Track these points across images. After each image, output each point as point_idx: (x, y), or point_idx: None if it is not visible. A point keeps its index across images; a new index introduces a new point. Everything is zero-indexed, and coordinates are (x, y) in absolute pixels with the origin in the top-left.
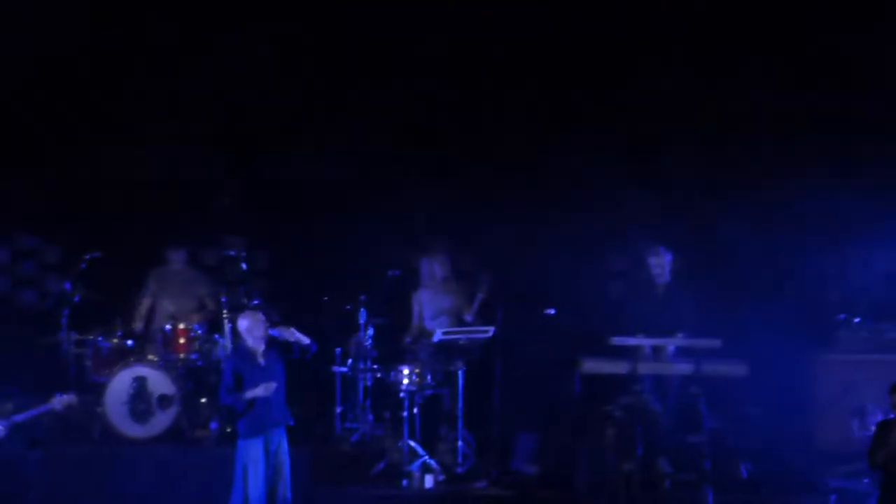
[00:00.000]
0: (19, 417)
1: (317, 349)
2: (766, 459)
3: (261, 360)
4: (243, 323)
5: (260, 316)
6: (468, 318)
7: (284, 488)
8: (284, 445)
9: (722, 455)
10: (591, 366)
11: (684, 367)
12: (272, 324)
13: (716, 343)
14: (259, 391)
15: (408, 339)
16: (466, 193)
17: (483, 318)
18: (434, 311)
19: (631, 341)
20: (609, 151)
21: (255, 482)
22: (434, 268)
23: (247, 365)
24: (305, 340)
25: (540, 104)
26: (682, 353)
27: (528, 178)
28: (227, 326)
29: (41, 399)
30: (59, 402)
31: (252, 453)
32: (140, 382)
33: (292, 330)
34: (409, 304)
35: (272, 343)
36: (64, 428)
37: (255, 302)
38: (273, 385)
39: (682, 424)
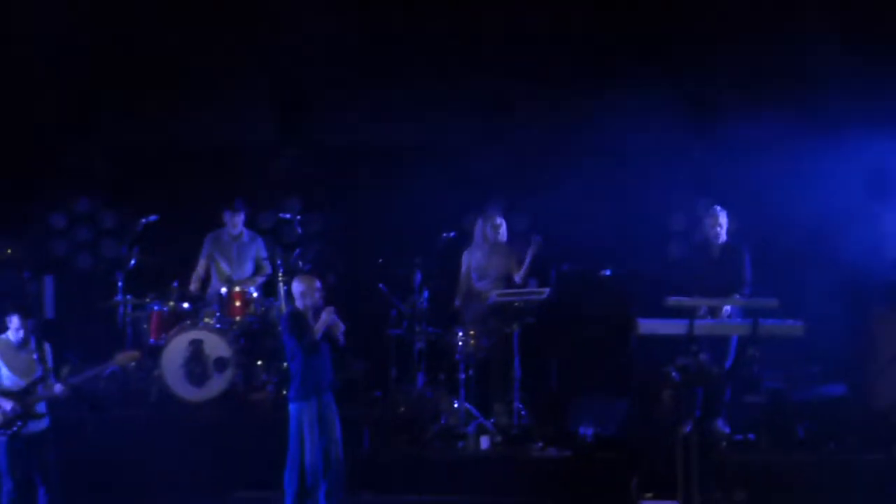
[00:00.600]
0: (77, 378)
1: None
2: (823, 419)
3: (316, 322)
4: (298, 287)
5: (315, 282)
6: (517, 279)
7: (336, 450)
8: (334, 408)
9: (779, 415)
10: (647, 327)
11: (741, 328)
12: (325, 295)
13: (773, 303)
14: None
15: (456, 302)
16: (523, 154)
17: (537, 279)
18: (483, 272)
19: (687, 302)
20: (666, 111)
21: (311, 444)
22: (487, 229)
23: (310, 324)
24: (341, 339)
25: (598, 63)
26: (739, 313)
27: (585, 137)
28: (282, 289)
29: (100, 360)
30: (122, 359)
31: (307, 415)
32: (196, 345)
33: (339, 323)
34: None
35: (319, 310)
36: (122, 391)
37: (310, 266)
38: (332, 309)
39: (740, 385)
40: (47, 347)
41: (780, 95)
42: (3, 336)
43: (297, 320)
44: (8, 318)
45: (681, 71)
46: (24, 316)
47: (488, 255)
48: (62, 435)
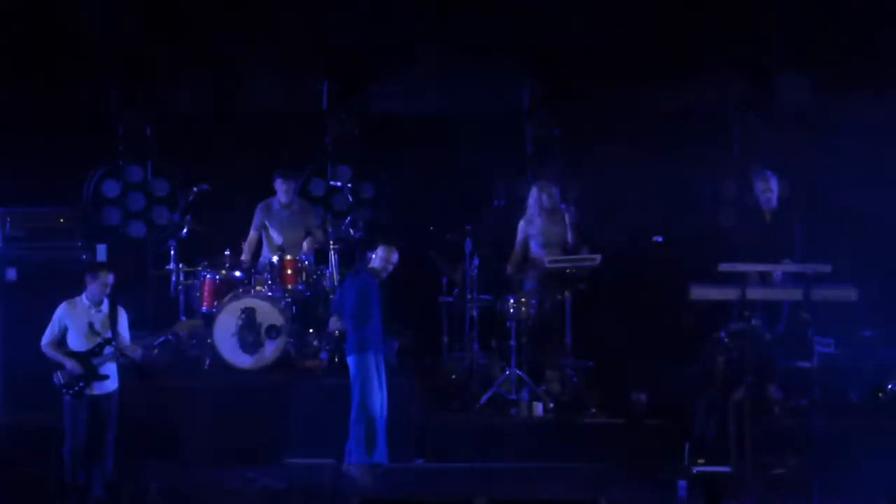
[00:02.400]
0: (147, 343)
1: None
2: (876, 384)
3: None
4: (381, 252)
5: (394, 251)
6: (570, 242)
7: (387, 405)
8: (382, 364)
9: (832, 380)
10: (699, 293)
11: (794, 293)
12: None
13: (825, 268)
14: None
15: (509, 270)
16: (576, 121)
17: (588, 246)
18: (541, 240)
19: (739, 267)
20: (719, 77)
21: (372, 394)
22: (543, 197)
23: (375, 285)
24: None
25: (646, 29)
26: (792, 278)
27: (636, 104)
28: (333, 257)
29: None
30: (183, 327)
31: (369, 366)
32: (248, 313)
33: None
34: (514, 233)
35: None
36: (175, 359)
37: (361, 233)
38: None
39: (792, 350)
40: (121, 311)
41: (831, 61)
42: (77, 298)
43: (366, 288)
44: (91, 276)
45: (734, 36)
46: (109, 272)
47: (546, 223)
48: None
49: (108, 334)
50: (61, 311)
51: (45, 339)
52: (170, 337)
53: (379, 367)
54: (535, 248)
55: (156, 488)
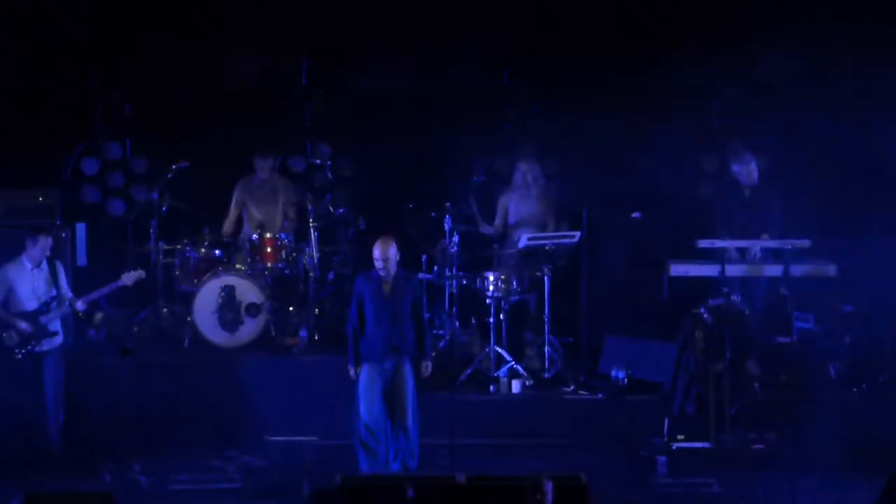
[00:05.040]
0: (93, 295)
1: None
2: (855, 360)
3: (386, 285)
4: (375, 249)
5: (390, 244)
6: (549, 220)
7: (403, 416)
8: (403, 373)
9: (811, 356)
10: (678, 269)
11: (773, 269)
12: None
13: (804, 243)
14: None
15: (495, 245)
16: (554, 98)
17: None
18: (519, 216)
19: (718, 244)
20: (698, 51)
21: (368, 406)
22: (528, 175)
23: (369, 286)
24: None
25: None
26: (771, 254)
27: (615, 80)
28: (313, 235)
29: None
30: (129, 277)
31: (364, 376)
32: (228, 291)
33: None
34: (494, 210)
35: (402, 274)
36: (154, 337)
37: (341, 211)
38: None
39: (771, 326)
40: (59, 266)
41: (810, 33)
42: (17, 260)
43: (357, 293)
44: (31, 240)
45: (712, 10)
46: (48, 235)
47: (529, 199)
48: (97, 381)
49: (53, 292)
50: (3, 274)
51: None
52: (113, 286)
53: (386, 379)
54: (510, 222)
55: None
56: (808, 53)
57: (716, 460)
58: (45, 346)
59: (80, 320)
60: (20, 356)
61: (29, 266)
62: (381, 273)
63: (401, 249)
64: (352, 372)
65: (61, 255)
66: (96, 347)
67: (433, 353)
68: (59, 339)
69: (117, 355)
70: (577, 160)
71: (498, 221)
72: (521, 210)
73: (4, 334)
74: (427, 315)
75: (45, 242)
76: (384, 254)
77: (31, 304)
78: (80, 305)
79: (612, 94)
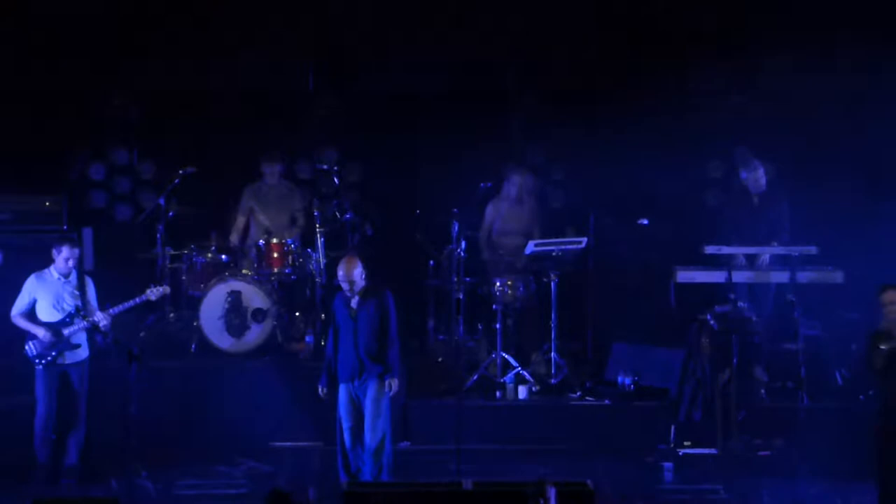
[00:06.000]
0: (116, 309)
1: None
2: (861, 366)
3: (353, 303)
4: (339, 269)
5: (354, 264)
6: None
7: (360, 431)
8: (370, 394)
9: (817, 362)
10: (685, 275)
11: (779, 275)
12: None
13: (811, 250)
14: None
15: (485, 255)
16: (561, 102)
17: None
18: (507, 226)
19: (725, 250)
20: (705, 57)
21: (340, 426)
22: (521, 187)
23: (340, 306)
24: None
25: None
26: (778, 260)
27: (623, 86)
28: (320, 240)
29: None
30: (153, 292)
31: (340, 398)
32: (235, 296)
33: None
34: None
35: (370, 292)
36: (161, 343)
37: (348, 216)
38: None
39: (778, 332)
40: (88, 282)
41: (817, 41)
42: (46, 270)
43: (331, 313)
44: (56, 249)
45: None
46: (72, 246)
47: (519, 211)
48: (105, 386)
49: (79, 304)
50: (31, 283)
51: (15, 311)
52: (137, 301)
53: (355, 401)
54: (495, 230)
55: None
56: (815, 61)
57: (722, 466)
58: (69, 358)
59: None
60: (41, 366)
61: (56, 276)
62: (347, 294)
63: (367, 267)
64: (320, 391)
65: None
66: (103, 352)
67: (399, 369)
68: (83, 353)
69: (124, 360)
70: (583, 166)
71: (485, 227)
72: (508, 221)
73: (26, 345)
74: (433, 321)
75: (68, 253)
76: (348, 275)
77: (55, 315)
78: (102, 320)
79: (619, 100)
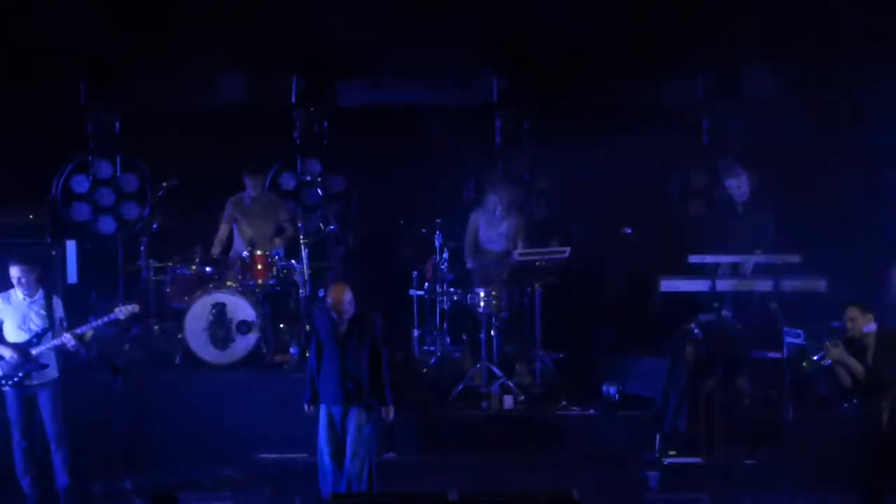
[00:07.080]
0: (83, 328)
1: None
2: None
3: (341, 328)
4: (328, 298)
5: (345, 292)
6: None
7: (342, 456)
8: (353, 422)
9: (801, 372)
10: (669, 284)
11: (763, 284)
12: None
13: (795, 259)
14: None
15: (469, 264)
16: (544, 111)
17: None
18: (488, 237)
19: (709, 259)
20: (688, 69)
21: (320, 448)
22: (497, 204)
23: (328, 326)
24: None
25: (614, 22)
26: (762, 269)
27: (606, 96)
28: (304, 252)
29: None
30: (122, 311)
31: (321, 420)
32: (219, 309)
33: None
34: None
35: (360, 320)
36: (146, 355)
37: (332, 227)
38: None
39: (762, 341)
40: (56, 301)
41: (799, 53)
42: (11, 290)
43: (315, 331)
44: (10, 269)
45: (702, 30)
46: (21, 265)
47: (500, 226)
48: (89, 398)
49: (46, 324)
50: None
51: None
52: (106, 319)
53: (335, 424)
54: (482, 239)
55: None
56: (797, 71)
57: (707, 476)
58: (36, 379)
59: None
60: (7, 387)
61: (21, 297)
62: (335, 319)
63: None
64: (306, 409)
65: (52, 273)
66: (87, 365)
67: (392, 396)
68: (52, 373)
69: (108, 373)
70: (567, 176)
71: (469, 237)
72: (490, 233)
73: None
74: (417, 332)
75: (18, 272)
76: (338, 304)
77: (21, 336)
78: (69, 340)
79: (602, 111)
